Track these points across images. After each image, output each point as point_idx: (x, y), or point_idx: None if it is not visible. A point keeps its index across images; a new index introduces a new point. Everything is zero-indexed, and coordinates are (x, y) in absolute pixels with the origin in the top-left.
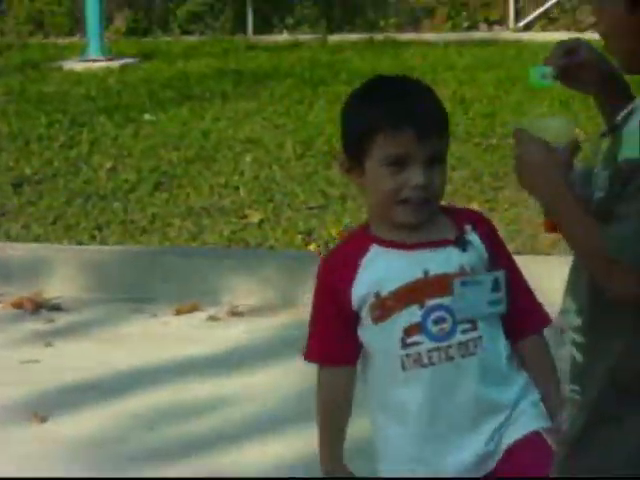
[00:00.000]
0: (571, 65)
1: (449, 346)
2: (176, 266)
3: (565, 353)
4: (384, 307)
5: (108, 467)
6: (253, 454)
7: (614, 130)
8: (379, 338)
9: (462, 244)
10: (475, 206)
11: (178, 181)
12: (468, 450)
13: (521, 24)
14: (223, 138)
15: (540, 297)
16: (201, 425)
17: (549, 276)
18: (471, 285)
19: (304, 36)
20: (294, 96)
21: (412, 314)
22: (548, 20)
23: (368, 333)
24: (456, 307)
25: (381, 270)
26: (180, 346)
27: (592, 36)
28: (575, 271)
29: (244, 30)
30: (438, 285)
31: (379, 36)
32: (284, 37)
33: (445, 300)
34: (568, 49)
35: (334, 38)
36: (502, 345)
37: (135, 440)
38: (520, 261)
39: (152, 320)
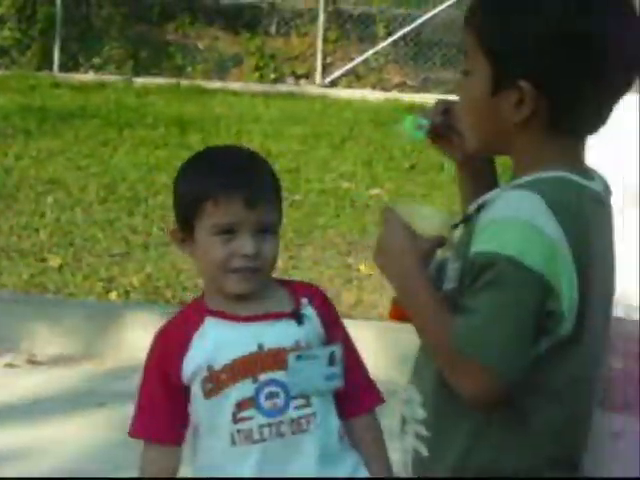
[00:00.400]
0: (446, 125)
1: (281, 422)
2: None
3: (407, 445)
4: (217, 381)
5: None
6: None
7: (467, 221)
8: (210, 413)
9: (298, 318)
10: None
11: None
12: None
13: (327, 80)
14: (25, 177)
15: None
16: None
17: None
18: (306, 359)
19: (110, 76)
20: (99, 137)
21: (245, 388)
22: (355, 77)
23: (199, 408)
24: (290, 382)
25: (214, 343)
26: None
27: (398, 95)
28: (420, 361)
29: (50, 67)
30: (273, 359)
31: (185, 82)
32: (90, 76)
33: (278, 375)
34: (447, 108)
35: (140, 80)
36: (334, 422)
37: None
38: None
39: None
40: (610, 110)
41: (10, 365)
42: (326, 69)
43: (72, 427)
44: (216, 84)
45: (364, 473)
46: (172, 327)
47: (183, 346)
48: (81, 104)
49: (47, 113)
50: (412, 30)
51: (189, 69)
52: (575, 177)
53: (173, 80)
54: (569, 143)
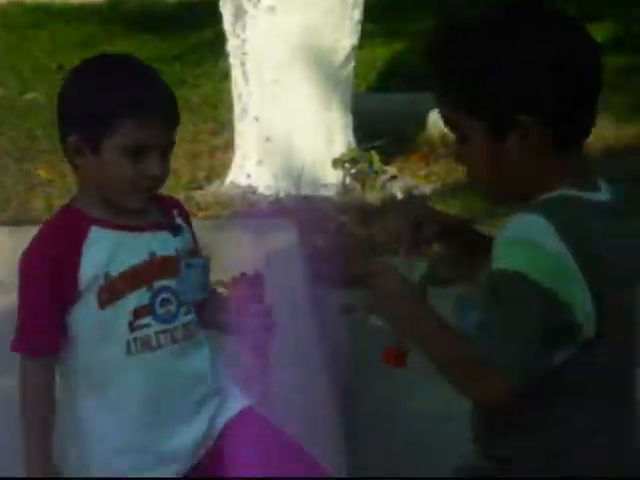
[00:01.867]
0: (425, 240)
1: (175, 328)
2: None
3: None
4: (113, 290)
5: None
6: None
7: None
8: (104, 323)
9: (174, 229)
10: None
11: None
12: (190, 434)
13: None
14: None
15: None
16: None
17: None
18: (192, 267)
19: None
20: None
21: (141, 296)
22: None
23: (90, 320)
24: (180, 289)
25: (108, 251)
26: None
27: None
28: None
29: None
30: (164, 267)
31: None
32: None
33: (170, 282)
34: (412, 233)
35: None
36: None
37: None
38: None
39: None
40: (594, 117)
41: None
42: None
43: None
44: None
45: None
46: (51, 241)
47: (73, 256)
48: None
49: None
50: None
51: None
52: (575, 192)
53: None
54: (571, 157)
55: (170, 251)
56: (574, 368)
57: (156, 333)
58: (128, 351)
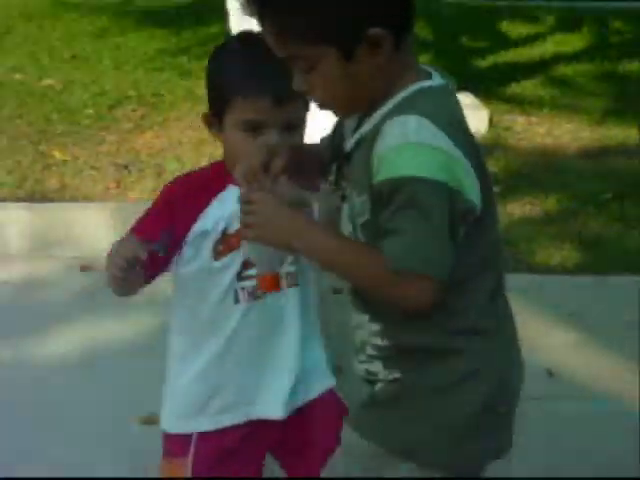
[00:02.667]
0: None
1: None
2: None
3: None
4: (227, 243)
5: None
6: None
7: (349, 156)
8: (215, 273)
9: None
10: None
11: None
12: (281, 386)
13: None
14: None
15: None
16: None
17: None
18: None
19: None
20: None
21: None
22: None
23: (204, 265)
24: None
25: (232, 210)
26: None
27: None
28: (355, 292)
29: None
30: None
31: None
32: None
33: None
34: (264, 164)
35: None
36: (312, 285)
37: None
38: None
39: None
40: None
41: None
42: None
43: None
44: None
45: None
46: (194, 181)
47: (202, 203)
48: None
49: None
50: None
51: None
52: (429, 82)
53: None
54: (407, 52)
55: None
56: (472, 243)
57: None
58: (236, 300)
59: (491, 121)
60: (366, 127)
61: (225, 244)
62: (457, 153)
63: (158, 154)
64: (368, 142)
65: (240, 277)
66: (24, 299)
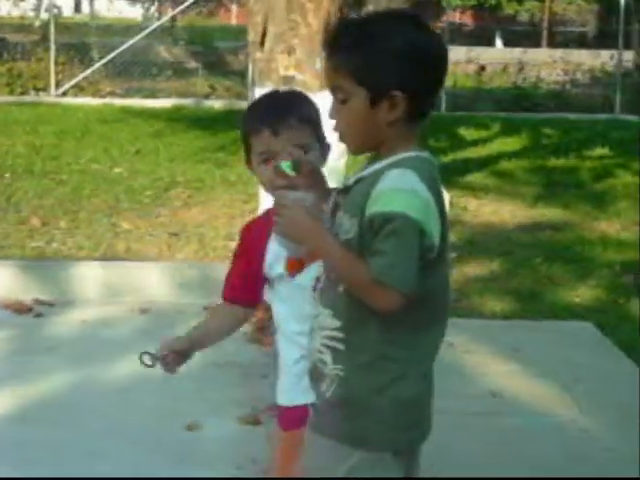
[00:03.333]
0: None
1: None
2: None
3: (315, 348)
4: (293, 265)
5: None
6: None
7: (347, 190)
8: (296, 290)
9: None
10: (62, 223)
11: None
12: None
13: (59, 91)
14: None
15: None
16: None
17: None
18: None
19: None
20: None
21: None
22: (79, 89)
23: (287, 288)
24: None
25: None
26: None
27: (110, 101)
28: (325, 287)
29: None
30: None
31: None
32: None
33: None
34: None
35: None
36: None
37: None
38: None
39: None
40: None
41: None
42: (58, 84)
43: None
44: None
45: None
46: (258, 223)
47: (263, 246)
48: None
49: None
50: (118, 54)
51: None
52: (424, 154)
53: None
54: (416, 129)
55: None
56: (426, 278)
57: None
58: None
59: (451, 203)
60: (368, 171)
61: (292, 266)
62: (432, 204)
63: (200, 225)
64: (368, 181)
65: (314, 289)
66: (98, 334)
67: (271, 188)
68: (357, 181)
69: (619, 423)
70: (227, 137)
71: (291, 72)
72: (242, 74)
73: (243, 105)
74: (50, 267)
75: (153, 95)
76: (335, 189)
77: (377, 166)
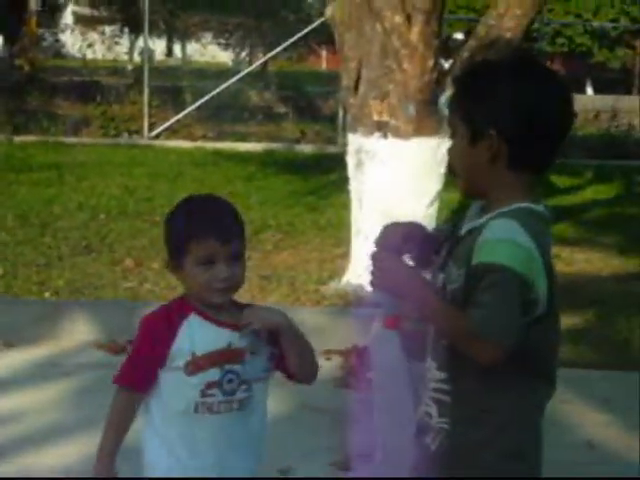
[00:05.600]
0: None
1: (232, 401)
2: None
3: (427, 399)
4: (196, 364)
5: None
6: (46, 456)
7: (460, 239)
8: (184, 385)
9: (246, 329)
10: (154, 264)
11: None
12: None
13: (152, 134)
14: None
15: None
16: (5, 433)
17: None
18: (256, 355)
19: None
20: (4, 180)
21: (214, 373)
22: (171, 132)
23: (175, 379)
24: (242, 371)
25: (198, 336)
26: None
27: (203, 144)
28: (433, 342)
29: None
30: (235, 355)
31: (51, 138)
32: None
33: (236, 367)
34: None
35: (18, 138)
36: (264, 407)
37: None
38: None
39: None
40: (553, 156)
41: None
42: (151, 126)
43: (41, 395)
44: (73, 140)
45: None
46: (160, 316)
47: (174, 328)
48: None
49: None
50: (210, 98)
51: (52, 129)
52: (534, 206)
53: (42, 137)
54: (527, 179)
55: (241, 344)
56: (533, 333)
57: (219, 402)
58: (195, 410)
59: None
60: (479, 221)
61: (194, 365)
62: (536, 256)
63: (291, 269)
64: (477, 232)
65: (203, 394)
66: None
67: (205, 290)
68: (469, 231)
69: None
70: (318, 182)
71: (384, 117)
72: (332, 119)
73: (333, 150)
74: (144, 308)
75: (244, 139)
76: (444, 239)
77: (487, 217)
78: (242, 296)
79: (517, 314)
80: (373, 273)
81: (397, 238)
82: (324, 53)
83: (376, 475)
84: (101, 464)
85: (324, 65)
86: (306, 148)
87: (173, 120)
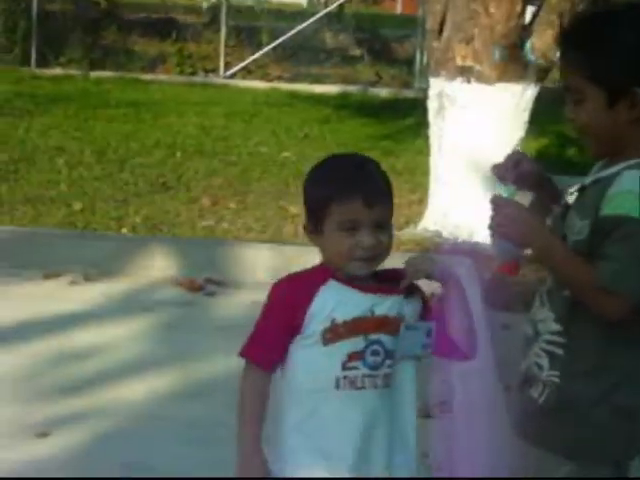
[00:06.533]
0: (520, 178)
1: (377, 375)
2: (42, 242)
3: (534, 352)
4: (336, 332)
5: (21, 399)
6: (130, 390)
7: (582, 189)
8: (323, 358)
9: (406, 294)
10: (231, 204)
11: (13, 176)
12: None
13: (228, 73)
14: (36, 145)
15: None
16: (84, 368)
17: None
18: (412, 329)
19: (72, 71)
20: (80, 115)
21: (357, 343)
22: (247, 72)
23: (312, 352)
24: (397, 345)
25: (336, 301)
26: (51, 304)
27: (278, 85)
28: (551, 291)
29: (29, 64)
30: (382, 324)
31: (127, 74)
32: (58, 71)
33: (384, 337)
34: (515, 162)
35: (94, 74)
36: (410, 386)
37: (35, 379)
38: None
39: (26, 283)
40: None
41: (73, 282)
42: (227, 66)
43: (129, 328)
44: (149, 76)
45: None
46: (298, 281)
47: (309, 298)
48: (58, 91)
49: (36, 98)
50: (286, 38)
51: (129, 65)
52: None
53: (118, 73)
54: None
55: (391, 312)
56: None
57: (363, 376)
58: (337, 386)
59: None
60: (606, 172)
61: (333, 333)
62: None
63: None
64: (604, 183)
65: (344, 367)
66: None
67: (347, 259)
68: (594, 182)
69: None
70: (394, 126)
71: (468, 62)
72: (408, 63)
73: (409, 94)
74: (222, 246)
75: (319, 81)
76: (567, 189)
77: (615, 168)
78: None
79: None
80: (493, 219)
81: (509, 164)
82: None
83: (455, 423)
84: (250, 463)
85: (399, 9)
86: (382, 91)
87: (249, 60)
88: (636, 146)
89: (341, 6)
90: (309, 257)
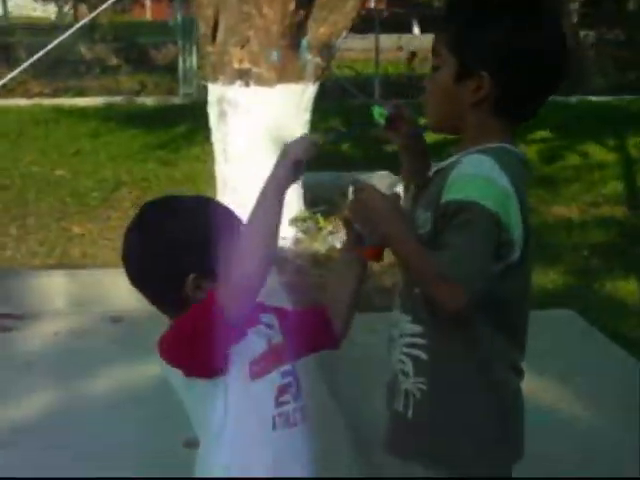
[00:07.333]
0: (398, 115)
1: (303, 406)
2: None
3: (396, 358)
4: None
5: None
6: None
7: (428, 181)
8: (254, 396)
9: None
10: (11, 229)
11: None
12: None
13: None
14: None
15: None
16: None
17: None
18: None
19: None
20: None
21: (284, 373)
22: (7, 91)
23: (242, 392)
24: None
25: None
26: None
27: (40, 101)
28: (404, 292)
29: None
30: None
31: None
32: None
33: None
34: (398, 105)
35: None
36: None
37: None
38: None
39: None
40: (540, 106)
41: None
42: None
43: None
44: None
45: None
46: None
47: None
48: None
49: None
50: (44, 54)
51: None
52: (512, 148)
53: None
54: (507, 125)
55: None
56: (504, 283)
57: (294, 410)
58: (274, 427)
59: None
60: (449, 160)
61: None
62: (512, 195)
63: None
64: (448, 169)
65: (277, 403)
66: (73, 346)
67: None
68: (437, 172)
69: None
70: (165, 134)
71: (246, 65)
72: (170, 69)
73: (176, 101)
74: (11, 277)
75: (82, 94)
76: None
77: (455, 157)
78: (106, 258)
79: (488, 257)
80: (352, 204)
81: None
82: (148, 3)
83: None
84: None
85: (149, 15)
86: (147, 100)
87: (7, 78)
88: (478, 135)
89: (94, 18)
90: (106, 281)
